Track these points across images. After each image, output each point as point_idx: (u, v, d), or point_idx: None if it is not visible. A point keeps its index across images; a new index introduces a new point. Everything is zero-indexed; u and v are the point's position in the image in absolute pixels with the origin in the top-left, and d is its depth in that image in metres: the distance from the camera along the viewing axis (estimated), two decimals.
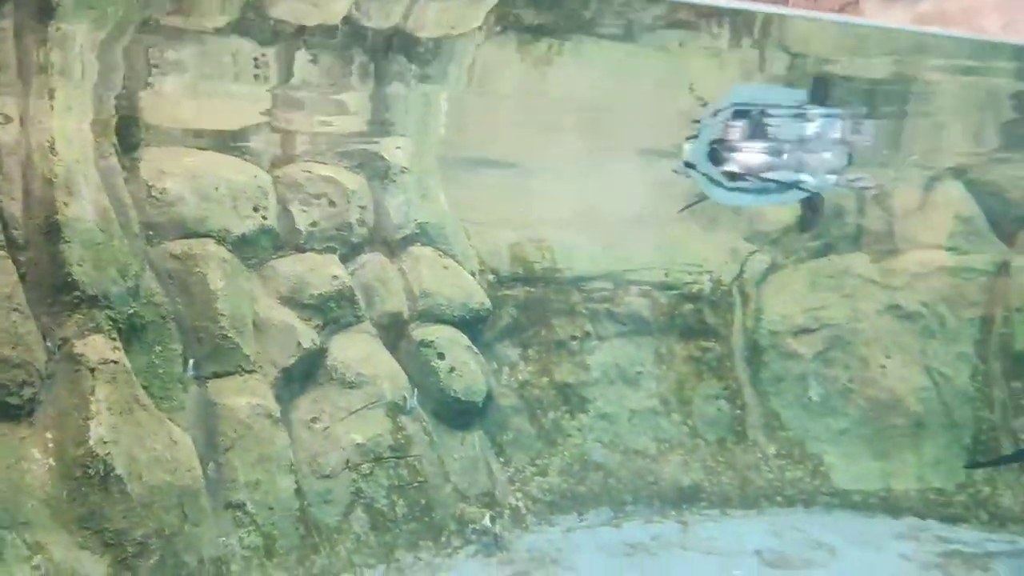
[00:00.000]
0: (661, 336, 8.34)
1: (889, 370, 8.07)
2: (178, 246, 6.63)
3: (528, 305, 8.36)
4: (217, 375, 6.47)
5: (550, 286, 8.47)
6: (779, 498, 7.69)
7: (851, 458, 7.84)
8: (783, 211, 8.48)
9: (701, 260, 8.57)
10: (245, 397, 6.42)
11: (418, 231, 8.08)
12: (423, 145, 8.58)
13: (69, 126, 6.20)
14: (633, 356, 8.24)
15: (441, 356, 7.55)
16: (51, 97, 6.25)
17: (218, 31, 6.10)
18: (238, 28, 6.13)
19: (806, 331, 8.17)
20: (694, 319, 8.37)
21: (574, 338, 8.33)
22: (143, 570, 5.28)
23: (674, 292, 8.41)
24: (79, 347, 5.62)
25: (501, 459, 7.67)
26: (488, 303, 8.06)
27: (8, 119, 6.02)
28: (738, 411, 8.19)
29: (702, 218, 8.80)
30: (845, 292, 8.32)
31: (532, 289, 8.43)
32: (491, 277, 8.39)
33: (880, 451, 7.83)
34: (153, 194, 6.70)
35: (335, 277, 7.32)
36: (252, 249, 7.08)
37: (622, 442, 7.96)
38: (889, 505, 7.66)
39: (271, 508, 6.12)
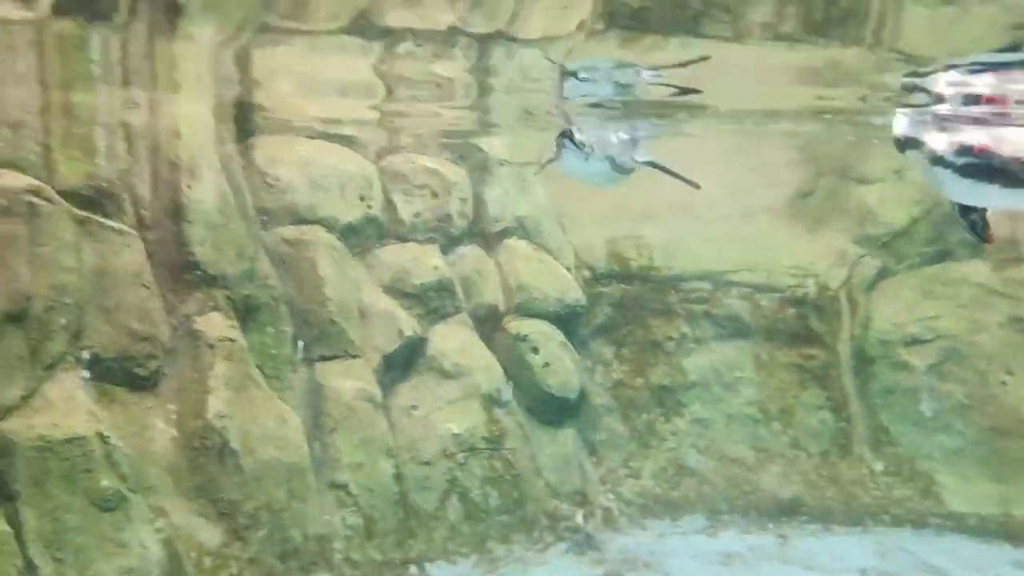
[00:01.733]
0: (762, 341, 8.12)
1: (1010, 387, 7.62)
2: (290, 232, 6.85)
3: (624, 303, 8.30)
4: (324, 358, 6.66)
5: (647, 284, 8.38)
6: (886, 517, 7.37)
7: (966, 479, 7.43)
8: (896, 212, 8.13)
9: (807, 263, 8.29)
10: (350, 381, 6.60)
11: (515, 224, 8.12)
12: (522, 139, 8.63)
13: (192, 113, 6.49)
14: (732, 360, 8.06)
15: (535, 351, 7.58)
16: (176, 86, 6.55)
17: (330, 33, 6.26)
18: (349, 31, 6.29)
19: (919, 342, 7.79)
20: (798, 324, 8.10)
21: (670, 339, 8.22)
22: (253, 541, 5.49)
23: (777, 295, 8.17)
24: (199, 324, 5.88)
25: (593, 458, 7.64)
26: (583, 299, 8.04)
27: (137, 105, 6.33)
28: (843, 423, 7.90)
29: (807, 218, 8.54)
30: (962, 302, 7.87)
31: (628, 287, 8.36)
32: (587, 273, 8.36)
33: (999, 474, 7.40)
34: (267, 181, 6.92)
35: (436, 267, 7.43)
36: (358, 237, 7.25)
37: (718, 449, 7.80)
38: (1008, 532, 7.20)
39: (372, 490, 6.27)
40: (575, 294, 8.04)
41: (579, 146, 5.45)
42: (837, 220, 8.51)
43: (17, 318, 4.99)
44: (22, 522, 4.54)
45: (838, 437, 7.85)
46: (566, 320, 7.94)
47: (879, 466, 7.68)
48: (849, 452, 7.78)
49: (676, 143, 8.45)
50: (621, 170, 6.02)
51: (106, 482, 4.87)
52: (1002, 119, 4.57)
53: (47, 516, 4.64)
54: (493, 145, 8.26)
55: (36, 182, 5.21)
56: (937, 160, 3.27)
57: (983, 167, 3.18)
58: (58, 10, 4.55)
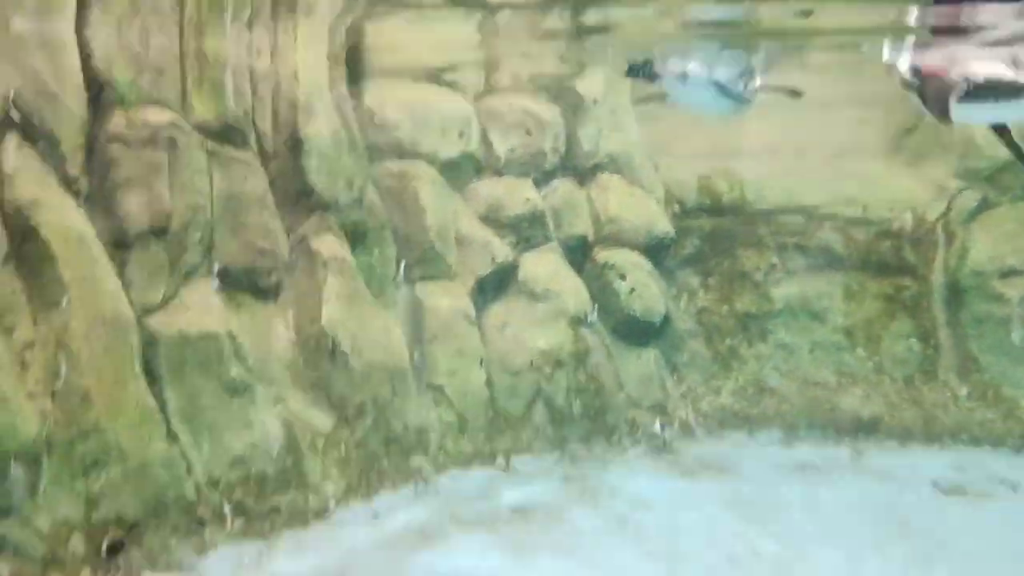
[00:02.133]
0: (854, 272, 8.10)
1: None
2: (395, 166, 7.45)
3: (713, 236, 8.47)
4: (423, 278, 7.27)
5: (738, 218, 8.50)
6: (964, 436, 7.31)
7: None
8: (1000, 145, 7.82)
9: (905, 196, 8.16)
10: (447, 299, 7.20)
11: (607, 160, 8.42)
12: (616, 78, 8.85)
13: (309, 58, 7.14)
14: (821, 290, 8.10)
15: (623, 277, 7.93)
16: (295, 33, 7.24)
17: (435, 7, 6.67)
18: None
19: (1016, 273, 7.57)
20: (891, 256, 8.02)
21: (758, 269, 8.34)
22: (360, 428, 6.23)
23: (872, 228, 8.10)
24: (315, 244, 6.58)
25: (675, 377, 7.96)
26: (672, 231, 8.27)
27: (260, 52, 7.05)
28: (930, 351, 7.81)
29: (908, 153, 8.36)
30: None
31: (719, 220, 8.51)
32: (676, 208, 8.56)
33: None
34: (375, 120, 7.53)
35: (528, 199, 7.87)
36: (457, 171, 7.75)
37: (801, 372, 7.92)
38: None
39: (465, 393, 6.89)
40: (664, 226, 8.29)
41: (654, 76, 5.56)
42: (939, 154, 8.29)
43: (159, 233, 5.72)
44: (166, 399, 5.29)
45: (924, 363, 7.78)
46: (654, 251, 8.22)
47: (963, 391, 7.57)
48: (934, 377, 7.71)
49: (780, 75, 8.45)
50: (735, 98, 6.09)
51: (234, 372, 5.64)
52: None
53: (185, 396, 5.36)
54: (587, 85, 8.55)
55: (176, 117, 5.97)
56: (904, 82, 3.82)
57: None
58: None
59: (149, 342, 5.36)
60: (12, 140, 5.22)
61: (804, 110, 8.46)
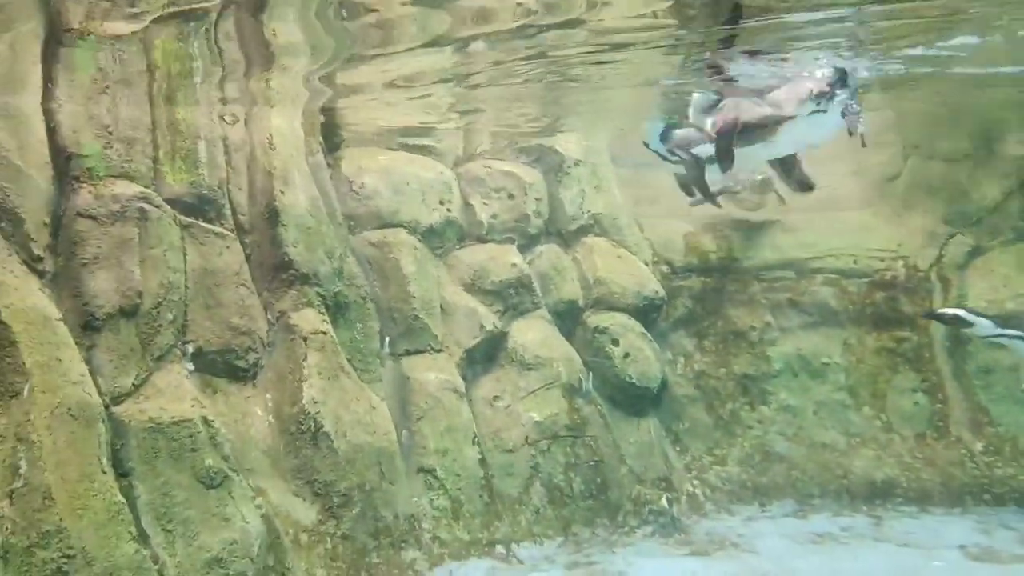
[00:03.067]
0: (850, 326, 7.93)
1: None
2: (375, 235, 7.20)
3: (704, 295, 8.27)
4: (409, 352, 6.94)
5: (728, 276, 8.32)
6: (987, 496, 7.03)
7: None
8: (989, 188, 7.83)
9: (895, 245, 8.07)
10: (434, 373, 6.84)
11: (591, 222, 8.25)
12: (596, 139, 8.78)
13: (284, 126, 6.93)
14: (819, 347, 7.90)
15: (615, 342, 7.65)
16: (269, 100, 7.03)
17: (409, 51, 6.60)
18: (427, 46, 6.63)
19: (1018, 318, 7.45)
20: (887, 308, 7.88)
21: (753, 329, 8.12)
22: (347, 519, 5.75)
23: (864, 280, 7.98)
24: (294, 319, 6.24)
25: (677, 448, 7.61)
26: (662, 291, 8.06)
27: (236, 119, 6.82)
28: (939, 405, 7.59)
29: (894, 201, 8.31)
30: None
31: (708, 279, 8.33)
32: (665, 268, 8.37)
33: None
34: (353, 188, 7.30)
35: (514, 265, 7.64)
36: (439, 239, 7.53)
37: (807, 435, 7.63)
38: None
39: (458, 475, 6.46)
40: (653, 286, 8.08)
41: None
42: (924, 202, 8.26)
43: (130, 313, 5.39)
44: (136, 496, 4.85)
45: (934, 419, 7.55)
46: (645, 313, 7.97)
47: (978, 446, 7.33)
48: (946, 434, 7.46)
49: None
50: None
51: (210, 461, 5.19)
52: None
53: (157, 491, 4.94)
54: (566, 144, 8.44)
55: (146, 190, 5.66)
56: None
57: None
58: (160, 20, 5.04)
59: (118, 432, 4.96)
60: None
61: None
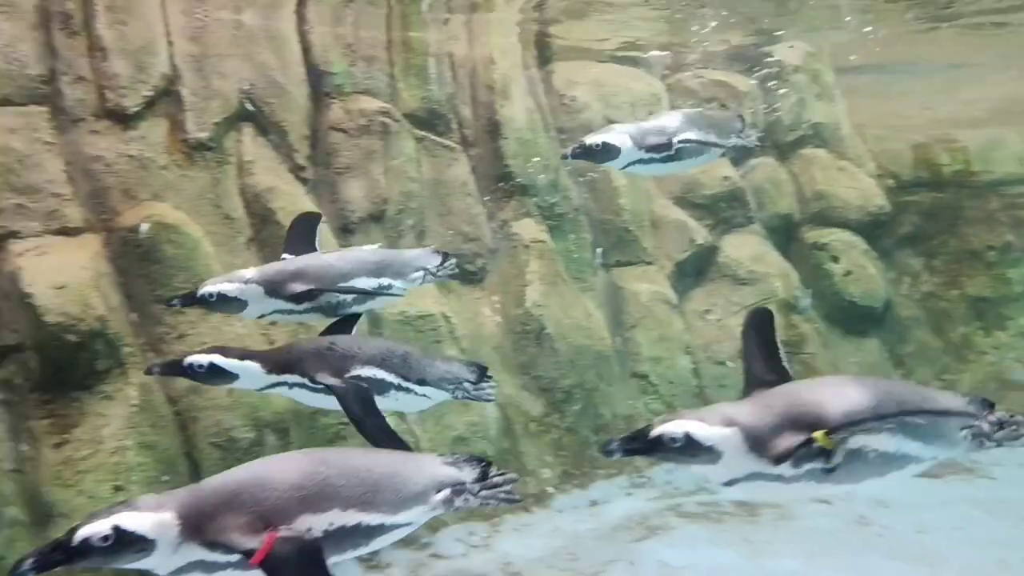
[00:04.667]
0: None
1: None
2: None
3: (934, 212, 7.71)
4: (620, 264, 7.07)
5: (962, 191, 7.69)
6: None
7: None
8: None
9: None
10: (645, 284, 6.96)
11: (811, 132, 7.88)
12: (818, 45, 8.28)
13: (503, 42, 7.14)
14: None
15: (835, 259, 7.36)
16: (488, 16, 7.26)
17: None
18: None
19: None
20: None
21: (991, 248, 7.51)
22: (569, 414, 6.11)
23: None
24: (515, 227, 6.56)
25: (901, 371, 7.27)
26: (888, 206, 7.60)
27: (457, 38, 7.10)
28: None
29: None
30: None
31: (940, 194, 7.74)
32: (890, 182, 7.87)
33: None
34: (564, 102, 7.40)
35: (726, 178, 7.49)
36: None
37: None
38: None
39: (671, 382, 6.62)
40: (879, 201, 7.63)
41: None
42: None
43: (377, 218, 5.94)
44: None
45: None
46: (868, 229, 7.59)
47: None
48: None
49: None
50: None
51: (452, 352, 5.69)
52: None
53: None
54: (785, 51, 8.05)
55: (387, 105, 6.12)
56: None
57: None
58: None
59: (374, 321, 5.49)
60: (248, 131, 5.50)
61: None
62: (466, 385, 3.72)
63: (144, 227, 4.69)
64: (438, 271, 4.12)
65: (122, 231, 4.79)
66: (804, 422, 2.53)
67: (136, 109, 5.04)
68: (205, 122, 5.26)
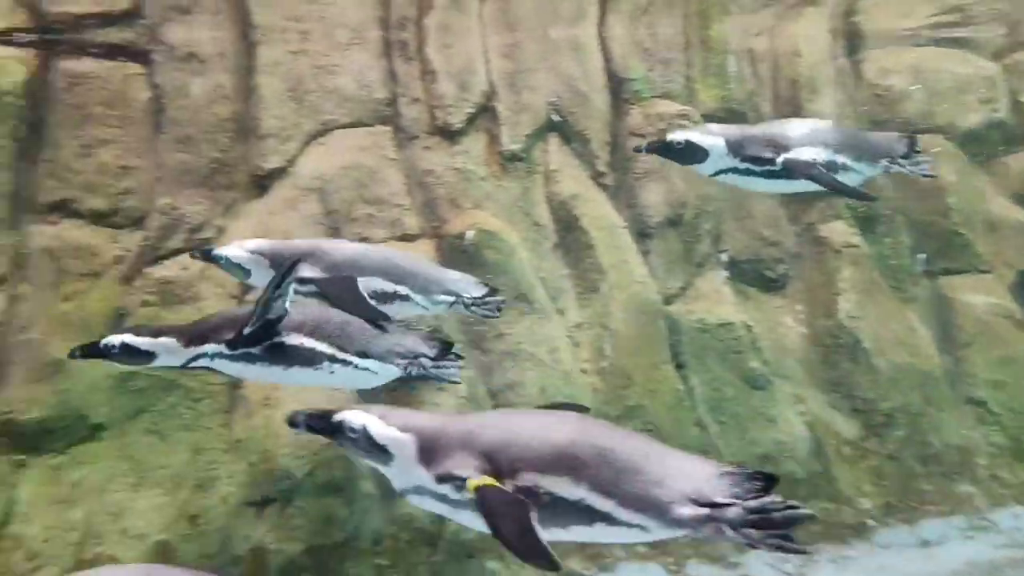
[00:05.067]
0: None
1: None
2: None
3: None
4: (948, 272, 6.26)
5: None
6: None
7: None
8: None
9: None
10: (981, 295, 6.09)
11: None
12: None
13: (810, 32, 6.66)
14: None
15: None
16: (797, 8, 6.81)
17: None
18: None
19: None
20: None
21: None
22: (890, 439, 5.47)
23: None
24: (823, 231, 6.07)
25: None
26: None
27: (759, 32, 6.74)
28: None
29: None
30: None
31: None
32: None
33: None
34: (878, 92, 6.72)
35: None
36: (980, 144, 6.62)
37: None
38: None
39: (1016, 411, 5.68)
40: None
41: None
42: None
43: (675, 222, 5.80)
44: (691, 386, 5.28)
45: None
46: None
47: None
48: None
49: None
50: None
51: (754, 364, 5.37)
52: None
53: (708, 385, 5.30)
54: None
55: (685, 108, 5.96)
56: None
57: None
58: None
59: (672, 328, 5.37)
60: (554, 140, 5.67)
61: None
62: (423, 360, 3.33)
63: (470, 234, 4.99)
64: (472, 303, 3.69)
65: (450, 237, 5.11)
66: (480, 450, 2.37)
67: (460, 125, 5.38)
68: (518, 134, 5.50)
